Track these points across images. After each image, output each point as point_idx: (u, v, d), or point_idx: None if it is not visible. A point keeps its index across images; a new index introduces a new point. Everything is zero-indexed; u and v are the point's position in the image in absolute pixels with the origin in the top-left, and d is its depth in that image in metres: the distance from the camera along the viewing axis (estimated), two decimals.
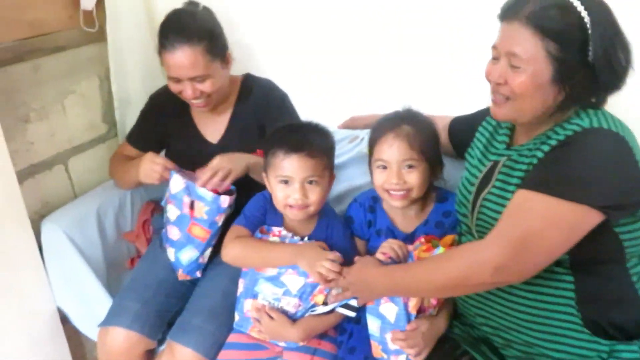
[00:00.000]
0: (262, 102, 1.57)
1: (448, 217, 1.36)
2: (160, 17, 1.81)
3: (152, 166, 1.44)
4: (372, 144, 1.34)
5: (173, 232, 1.45)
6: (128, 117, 1.88)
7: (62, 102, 1.67)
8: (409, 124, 1.30)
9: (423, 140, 1.29)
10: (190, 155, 1.55)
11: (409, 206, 1.35)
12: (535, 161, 1.08)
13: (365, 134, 1.76)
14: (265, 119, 1.55)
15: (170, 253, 1.48)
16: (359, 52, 1.79)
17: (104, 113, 1.85)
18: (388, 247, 1.25)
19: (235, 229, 1.36)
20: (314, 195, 1.29)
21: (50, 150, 1.66)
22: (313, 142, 1.27)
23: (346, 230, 1.42)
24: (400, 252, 1.24)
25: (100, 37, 1.77)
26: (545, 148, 1.06)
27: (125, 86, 1.85)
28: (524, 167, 1.11)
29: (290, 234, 1.34)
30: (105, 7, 1.71)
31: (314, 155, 1.26)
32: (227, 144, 1.56)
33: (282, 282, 1.29)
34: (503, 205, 1.11)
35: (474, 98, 1.43)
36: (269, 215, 1.39)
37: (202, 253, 1.46)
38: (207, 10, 1.51)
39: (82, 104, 1.75)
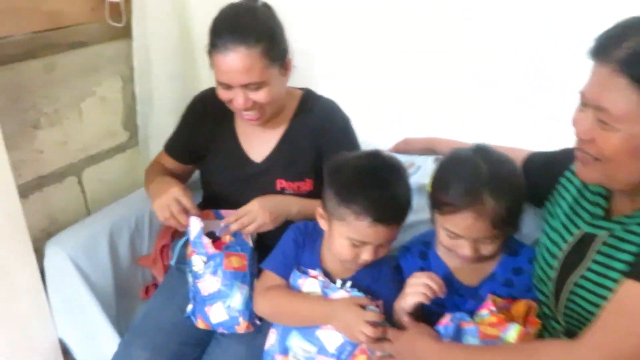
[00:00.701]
0: (324, 123, 1.34)
1: (519, 274, 1.11)
2: (191, 12, 1.64)
3: (169, 202, 1.23)
4: (441, 203, 1.06)
5: (208, 285, 1.22)
6: (151, 123, 1.68)
7: (78, 105, 1.47)
8: (493, 194, 1.00)
9: (508, 213, 1.01)
10: (227, 173, 1.34)
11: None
12: None
13: (422, 161, 1.53)
14: (324, 143, 1.33)
15: (216, 314, 1.22)
16: (413, 68, 1.58)
17: (125, 118, 1.64)
18: (422, 285, 1.03)
19: (267, 277, 1.16)
20: (382, 253, 1.11)
21: (61, 160, 1.45)
22: (406, 206, 1.08)
23: (395, 274, 1.19)
24: (439, 291, 1.03)
25: (125, 32, 1.56)
26: None
27: (149, 89, 1.64)
28: (634, 248, 0.85)
29: (327, 280, 1.13)
30: None
31: (402, 221, 1.09)
32: (271, 166, 1.34)
33: (317, 338, 1.09)
34: (602, 297, 0.87)
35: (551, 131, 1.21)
36: (306, 253, 1.18)
37: (252, 285, 1.25)
38: (267, 6, 1.27)
39: (101, 108, 1.54)
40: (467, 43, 1.50)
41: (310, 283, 1.13)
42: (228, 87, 1.22)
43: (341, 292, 1.11)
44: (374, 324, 1.02)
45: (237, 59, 1.17)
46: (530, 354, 0.85)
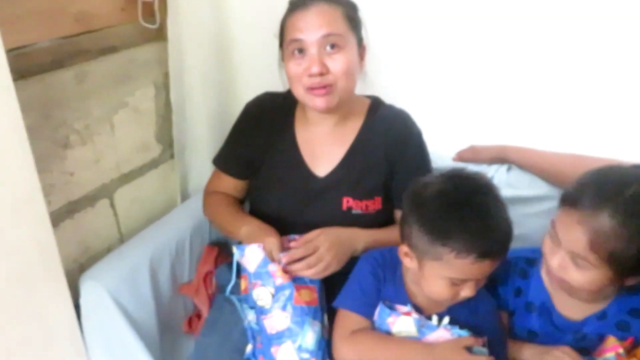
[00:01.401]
0: (399, 136, 1.20)
1: (638, 317, 0.96)
2: (230, 13, 1.47)
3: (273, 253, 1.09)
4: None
5: (276, 322, 1.06)
6: (187, 134, 1.52)
7: (110, 119, 1.30)
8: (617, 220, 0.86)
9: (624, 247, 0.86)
10: (285, 189, 1.19)
11: (588, 295, 0.97)
12: None
13: (494, 171, 1.39)
14: (397, 156, 1.19)
15: (284, 355, 1.05)
16: (477, 68, 1.44)
17: (159, 130, 1.47)
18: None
19: (347, 318, 1.01)
20: (481, 285, 0.98)
21: (93, 182, 1.28)
22: (509, 234, 0.94)
23: (494, 303, 1.06)
24: None
25: (158, 35, 1.39)
26: None
27: (182, 96, 1.48)
28: None
29: (423, 318, 0.99)
30: None
31: (506, 253, 0.94)
32: (337, 181, 1.19)
33: None
34: None
35: None
36: (388, 286, 1.04)
37: (324, 322, 1.11)
38: None
39: (134, 120, 1.37)
40: (539, 42, 1.36)
41: (402, 322, 0.99)
42: (301, 50, 1.09)
43: (440, 332, 0.97)
44: None
45: (318, 13, 1.08)
46: None
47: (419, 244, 0.94)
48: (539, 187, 1.32)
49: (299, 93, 1.15)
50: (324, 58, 1.09)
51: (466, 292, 0.94)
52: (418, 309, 1.01)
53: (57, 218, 1.20)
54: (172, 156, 1.53)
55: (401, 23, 1.45)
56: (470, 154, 1.43)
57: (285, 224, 1.17)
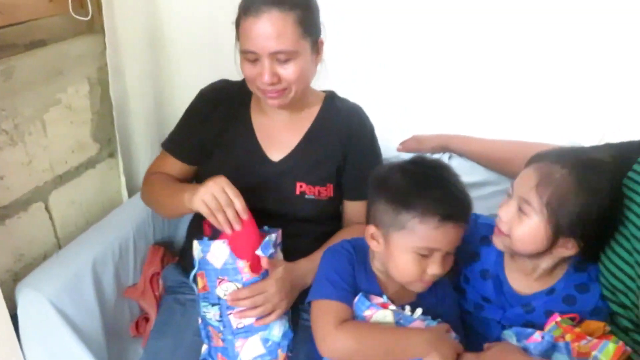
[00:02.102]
0: (353, 128, 1.22)
1: (584, 293, 1.02)
2: (165, 4, 1.42)
3: (217, 192, 1.02)
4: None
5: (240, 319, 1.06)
6: (129, 131, 1.46)
7: (41, 117, 1.22)
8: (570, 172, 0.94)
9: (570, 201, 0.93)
10: (239, 172, 1.17)
11: (537, 269, 1.02)
12: None
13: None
14: (349, 147, 1.21)
15: (250, 348, 1.05)
16: (418, 63, 1.49)
17: (95, 128, 1.40)
18: None
19: (331, 309, 0.98)
20: (449, 266, 0.98)
21: (26, 185, 1.20)
22: (470, 203, 0.97)
23: (456, 296, 1.10)
24: None
25: (90, 27, 1.32)
26: None
27: (123, 92, 1.42)
28: None
29: (401, 310, 0.99)
30: None
31: (469, 220, 0.97)
32: (292, 167, 1.20)
33: None
34: None
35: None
36: (360, 277, 1.03)
37: (289, 313, 1.11)
38: None
39: (67, 118, 1.30)
40: (472, 38, 1.42)
41: (381, 314, 0.97)
42: (254, 59, 1.08)
43: (416, 323, 0.98)
44: None
45: (269, 23, 1.05)
46: None
47: (384, 218, 0.96)
48: (478, 174, 1.38)
49: (254, 90, 1.16)
50: (276, 67, 1.09)
51: (433, 268, 0.95)
52: (391, 301, 1.01)
53: None
54: (110, 155, 1.47)
55: (350, 17, 1.46)
56: (413, 144, 1.46)
57: None
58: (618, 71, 1.33)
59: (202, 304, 1.09)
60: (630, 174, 0.98)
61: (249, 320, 1.06)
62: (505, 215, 0.98)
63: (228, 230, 1.02)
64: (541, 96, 1.45)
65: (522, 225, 0.96)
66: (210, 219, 1.02)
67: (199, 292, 1.10)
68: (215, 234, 1.06)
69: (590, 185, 0.91)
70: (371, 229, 1.00)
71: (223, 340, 1.07)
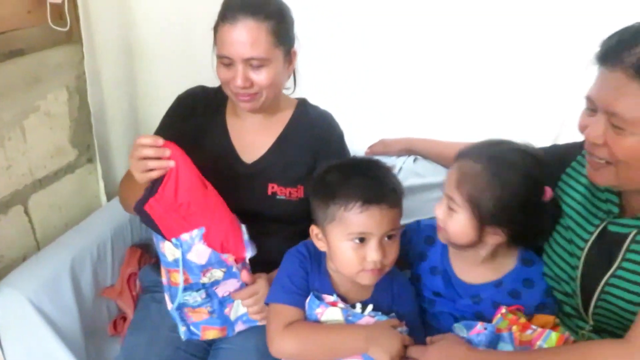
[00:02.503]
0: (323, 133, 1.29)
1: (529, 288, 1.08)
2: (135, 12, 1.48)
3: (137, 153, 1.04)
4: None
5: (229, 286, 1.14)
6: (108, 137, 1.51)
7: (21, 123, 1.27)
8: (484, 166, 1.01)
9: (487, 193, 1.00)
10: (213, 172, 1.20)
11: (479, 258, 1.08)
12: None
13: (401, 162, 1.51)
14: (319, 152, 1.27)
15: (237, 309, 1.16)
16: (385, 68, 1.56)
17: (73, 134, 1.45)
18: None
19: (281, 312, 1.04)
20: (393, 254, 1.02)
21: (5, 188, 1.25)
22: (394, 187, 1.01)
23: (412, 289, 1.15)
24: None
25: (68, 38, 1.38)
26: None
27: (101, 99, 1.47)
28: None
29: (349, 307, 1.04)
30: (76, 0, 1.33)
31: (396, 204, 1.00)
32: (264, 168, 1.26)
33: None
34: (638, 294, 0.88)
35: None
36: (314, 278, 1.08)
37: None
38: None
39: (46, 124, 1.35)
40: (443, 44, 1.49)
41: (330, 312, 1.02)
42: (229, 63, 1.15)
43: (366, 319, 1.03)
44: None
45: (243, 31, 1.13)
46: (583, 355, 0.84)
47: (319, 215, 1.01)
48: (442, 175, 1.44)
49: (228, 93, 1.23)
50: (249, 73, 1.15)
51: (371, 254, 0.98)
52: (344, 299, 1.06)
53: None
54: (89, 160, 1.52)
55: (327, 24, 1.54)
56: (380, 147, 1.54)
57: None
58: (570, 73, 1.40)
59: (184, 294, 1.13)
60: (568, 170, 1.07)
61: (234, 287, 1.13)
62: (439, 213, 1.06)
63: (163, 167, 1.05)
64: (501, 99, 1.52)
65: (452, 220, 1.03)
66: (150, 175, 1.05)
67: (173, 286, 1.14)
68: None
69: (502, 178, 0.98)
70: (314, 229, 1.05)
71: (211, 312, 1.13)
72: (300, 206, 1.29)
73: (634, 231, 0.92)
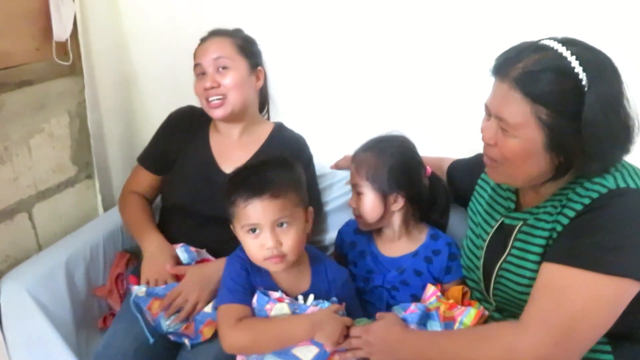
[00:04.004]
0: (293, 154, 1.43)
1: (437, 255, 1.31)
2: (131, 49, 1.73)
3: (159, 274, 1.34)
4: None
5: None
6: (105, 155, 1.74)
7: (27, 142, 1.49)
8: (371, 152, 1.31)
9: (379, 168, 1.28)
10: (194, 179, 1.45)
11: (395, 232, 1.33)
12: (559, 228, 0.98)
13: None
14: None
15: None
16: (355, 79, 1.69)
17: (74, 153, 1.67)
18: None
19: (228, 311, 1.13)
20: (289, 240, 1.11)
21: (12, 197, 1.46)
22: (274, 179, 1.11)
23: (345, 272, 1.28)
24: None
25: (71, 70, 1.62)
26: (570, 213, 0.97)
27: (99, 123, 1.70)
28: (546, 233, 1.01)
29: (294, 300, 1.16)
30: (78, 38, 1.57)
31: (278, 194, 1.10)
32: None
33: (294, 356, 1.11)
34: (523, 276, 1.03)
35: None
36: (256, 277, 1.17)
37: None
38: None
39: (50, 144, 1.57)
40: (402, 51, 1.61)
41: (279, 307, 1.13)
42: (201, 72, 1.41)
43: (311, 309, 1.13)
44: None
45: (211, 43, 1.43)
46: (486, 336, 0.98)
47: (229, 212, 1.14)
48: None
49: (203, 105, 1.45)
50: (216, 76, 1.40)
51: (264, 241, 1.09)
52: (286, 293, 1.16)
53: None
54: (88, 176, 1.73)
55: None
56: (344, 162, 1.70)
57: (195, 214, 1.42)
58: None
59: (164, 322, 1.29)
60: (482, 174, 1.24)
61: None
62: (352, 203, 1.31)
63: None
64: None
65: (362, 202, 1.27)
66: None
67: (154, 317, 1.30)
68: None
69: (383, 151, 1.29)
70: (233, 228, 1.17)
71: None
72: None
73: (521, 223, 1.07)
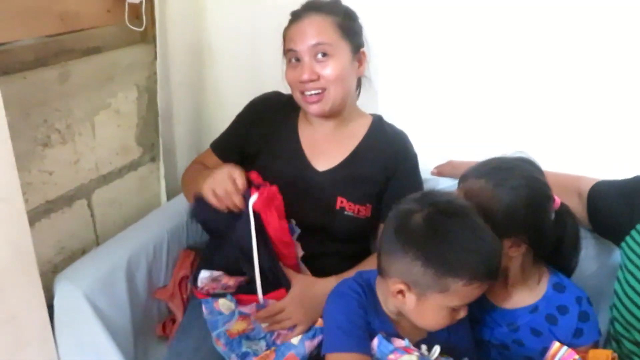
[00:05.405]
0: (399, 153, 1.26)
1: (564, 314, 1.03)
2: (208, 16, 1.50)
3: (223, 180, 1.06)
4: None
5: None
6: (172, 137, 1.53)
7: (92, 119, 1.29)
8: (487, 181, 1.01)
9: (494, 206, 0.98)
10: (284, 176, 1.19)
11: (509, 278, 1.06)
12: None
13: None
14: (393, 172, 1.24)
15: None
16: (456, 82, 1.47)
17: (140, 133, 1.47)
18: None
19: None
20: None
21: (72, 182, 1.27)
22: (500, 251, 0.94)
23: (466, 320, 1.05)
24: None
25: (142, 38, 1.40)
26: None
27: (169, 100, 1.49)
28: None
29: (424, 353, 0.96)
30: (153, 1, 1.35)
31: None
32: (335, 179, 1.23)
33: None
34: None
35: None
36: (372, 317, 0.97)
37: None
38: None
39: (115, 122, 1.37)
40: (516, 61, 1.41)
41: (406, 359, 0.92)
42: (296, 58, 1.17)
43: None
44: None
45: (308, 22, 1.16)
46: None
47: (421, 280, 0.89)
48: None
49: (297, 97, 1.22)
50: (315, 66, 1.15)
51: (462, 314, 0.93)
52: (400, 337, 0.97)
53: (34, 217, 1.18)
54: (152, 159, 1.53)
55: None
56: (448, 169, 1.46)
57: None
58: None
59: (246, 343, 1.12)
60: None
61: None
62: None
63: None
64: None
65: None
66: (219, 207, 1.06)
67: (234, 337, 1.12)
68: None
69: (502, 183, 0.98)
70: (399, 286, 0.91)
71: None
72: (366, 225, 1.25)
73: None
